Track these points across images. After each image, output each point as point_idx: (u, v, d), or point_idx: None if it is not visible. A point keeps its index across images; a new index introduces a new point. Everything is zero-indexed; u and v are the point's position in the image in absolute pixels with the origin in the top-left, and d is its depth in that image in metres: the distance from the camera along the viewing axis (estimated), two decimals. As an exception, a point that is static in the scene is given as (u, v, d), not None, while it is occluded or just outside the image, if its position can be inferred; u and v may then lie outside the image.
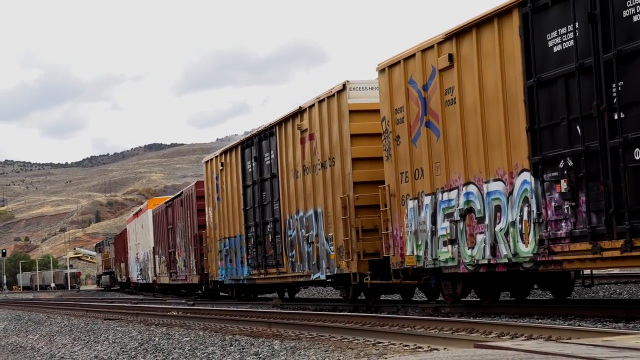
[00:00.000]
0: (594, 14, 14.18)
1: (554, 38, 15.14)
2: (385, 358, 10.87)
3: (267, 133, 28.74)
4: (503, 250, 16.62)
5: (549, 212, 15.35)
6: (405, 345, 12.49)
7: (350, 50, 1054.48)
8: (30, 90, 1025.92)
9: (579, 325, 13.60)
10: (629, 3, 13.58)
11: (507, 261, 16.53)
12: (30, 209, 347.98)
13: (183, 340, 16.53)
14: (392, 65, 20.13)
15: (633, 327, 13.04)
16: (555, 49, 15.13)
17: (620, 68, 13.79)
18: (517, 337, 12.32)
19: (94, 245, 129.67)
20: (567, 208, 14.91)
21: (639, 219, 13.52)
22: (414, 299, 24.72)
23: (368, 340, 13.61)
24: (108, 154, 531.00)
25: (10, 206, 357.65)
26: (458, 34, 17.67)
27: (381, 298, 24.94)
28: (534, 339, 11.90)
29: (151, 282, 53.68)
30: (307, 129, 25.34)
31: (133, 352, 15.97)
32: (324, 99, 24.17)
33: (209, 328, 19.18)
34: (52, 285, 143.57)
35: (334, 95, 23.58)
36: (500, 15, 16.44)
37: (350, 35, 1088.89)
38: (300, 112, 25.87)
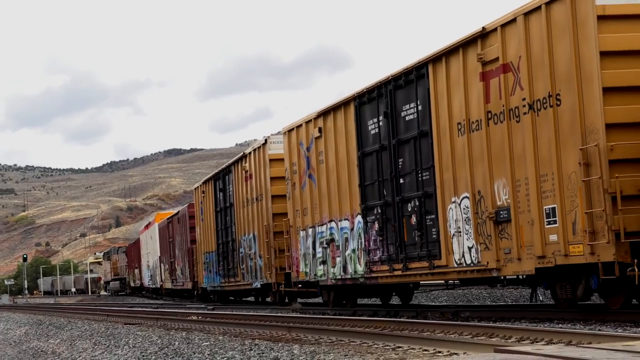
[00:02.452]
0: (387, 112, 21.44)
1: (370, 124, 22.42)
2: (405, 362, 10.50)
3: (227, 170, 36.37)
4: (349, 269, 23.91)
5: (371, 244, 22.63)
6: (425, 350, 12.47)
7: (375, 55, 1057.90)
8: (55, 96, 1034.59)
9: (599, 330, 13.65)
10: (404, 107, 20.83)
11: (350, 276, 23.82)
12: (51, 214, 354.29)
13: (203, 344, 16.46)
14: (290, 131, 27.41)
15: (654, 332, 13.13)
16: (371, 132, 22.41)
17: (400, 149, 21.07)
18: (537, 342, 12.39)
19: (102, 252, 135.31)
20: (379, 241, 22.19)
21: (411, 250, 20.77)
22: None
23: (387, 345, 13.57)
24: (128, 159, 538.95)
25: (31, 211, 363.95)
26: (324, 114, 24.93)
27: (299, 301, 32.21)
28: (554, 343, 11.91)
29: (159, 286, 61.91)
30: (248, 170, 32.78)
31: (153, 357, 16.03)
32: (256, 149, 31.62)
33: (228, 332, 19.25)
34: (73, 290, 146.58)
35: (260, 147, 31.02)
36: (345, 104, 23.71)
37: (375, 40, 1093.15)
38: (244, 156, 33.33)
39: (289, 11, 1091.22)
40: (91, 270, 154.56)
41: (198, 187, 42.88)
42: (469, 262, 18.37)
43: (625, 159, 14.48)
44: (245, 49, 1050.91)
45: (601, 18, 14.55)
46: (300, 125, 26.63)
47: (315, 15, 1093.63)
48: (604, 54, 14.52)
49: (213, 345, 15.96)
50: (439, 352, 12.09)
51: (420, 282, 26.20)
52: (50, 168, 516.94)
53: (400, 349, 12.87)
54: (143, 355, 16.34)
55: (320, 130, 25.16)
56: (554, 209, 15.62)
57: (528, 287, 20.07)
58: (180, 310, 32.78)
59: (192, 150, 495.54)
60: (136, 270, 77.91)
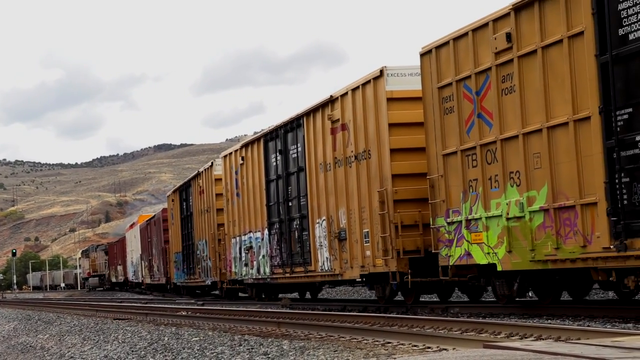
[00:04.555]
0: (281, 150, 27.51)
1: (272, 158, 28.51)
2: (394, 358, 10.91)
3: (188, 184, 43.17)
4: (262, 270, 30.06)
5: (273, 251, 28.76)
6: (414, 346, 12.55)
7: (369, 51, 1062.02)
8: (49, 90, 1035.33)
9: (588, 326, 13.84)
10: (291, 147, 26.90)
11: (262, 277, 29.97)
12: (40, 209, 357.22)
13: (192, 340, 16.56)
14: (226, 156, 33.67)
15: (642, 328, 13.26)
16: (273, 164, 28.50)
17: (289, 179, 27.17)
18: (526, 338, 12.44)
19: (81, 250, 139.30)
20: (277, 250, 28.30)
21: (296, 258, 26.88)
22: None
23: (377, 340, 13.64)
24: (118, 154, 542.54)
25: (21, 206, 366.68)
26: (246, 146, 31.04)
27: (239, 295, 38.54)
28: (543, 339, 11.97)
29: (140, 281, 68.28)
30: (201, 186, 39.10)
31: (142, 352, 16.10)
32: (206, 169, 38.15)
33: (218, 328, 19.29)
34: (62, 285, 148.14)
35: (208, 168, 37.53)
36: (258, 140, 29.82)
37: (370, 36, 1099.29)
38: (198, 174, 39.87)
39: (285, 7, 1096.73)
40: (80, 266, 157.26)
41: (169, 195, 49.80)
42: (326, 268, 24.56)
43: (405, 199, 20.71)
44: (241, 44, 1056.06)
45: (390, 99, 20.74)
46: (231, 152, 32.93)
47: (311, 11, 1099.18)
48: (391, 125, 20.73)
49: (202, 341, 16.18)
50: (429, 347, 12.25)
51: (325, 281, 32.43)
52: (39, 163, 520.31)
53: (390, 344, 13.06)
54: (132, 351, 16.63)
55: (243, 158, 31.33)
56: (368, 232, 21.84)
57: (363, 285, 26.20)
58: (170, 306, 33.40)
59: (182, 145, 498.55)
60: (119, 267, 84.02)
